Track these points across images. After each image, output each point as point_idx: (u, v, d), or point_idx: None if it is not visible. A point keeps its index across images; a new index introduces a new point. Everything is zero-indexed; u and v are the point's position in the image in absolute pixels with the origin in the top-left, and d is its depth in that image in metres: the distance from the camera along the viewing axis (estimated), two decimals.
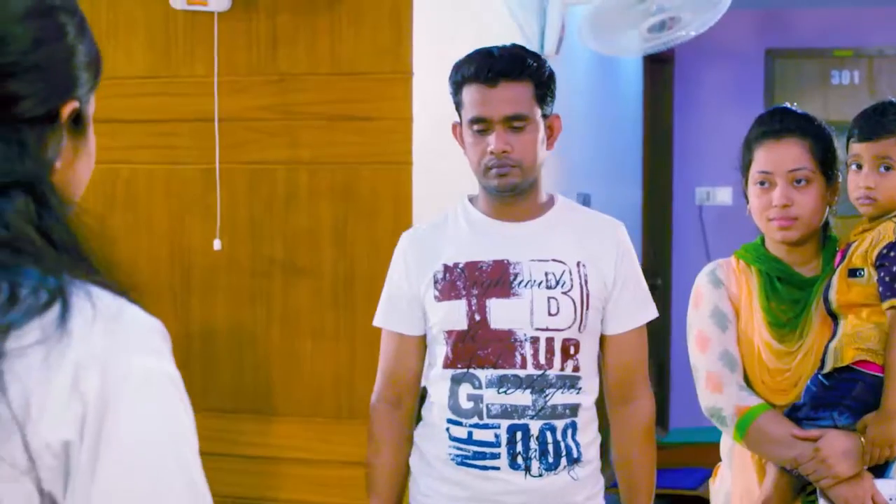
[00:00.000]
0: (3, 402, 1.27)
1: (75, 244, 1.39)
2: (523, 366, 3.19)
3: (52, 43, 1.43)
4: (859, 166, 3.21)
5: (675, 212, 9.08)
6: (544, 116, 3.25)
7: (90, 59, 1.51)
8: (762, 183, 3.27)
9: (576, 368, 3.23)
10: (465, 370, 3.22)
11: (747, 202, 3.37)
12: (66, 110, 1.46)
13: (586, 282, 3.24)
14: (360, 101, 4.15)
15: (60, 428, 1.30)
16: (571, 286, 3.22)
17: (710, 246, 8.59)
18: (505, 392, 3.18)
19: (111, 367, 1.32)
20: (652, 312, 3.38)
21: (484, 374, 3.20)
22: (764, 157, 3.27)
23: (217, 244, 4.24)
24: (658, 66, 8.83)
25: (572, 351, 3.22)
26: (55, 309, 1.32)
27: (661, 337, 8.26)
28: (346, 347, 4.19)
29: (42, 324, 1.31)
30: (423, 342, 3.36)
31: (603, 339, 3.33)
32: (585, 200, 6.23)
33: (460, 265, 3.25)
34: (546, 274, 3.22)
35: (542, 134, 3.23)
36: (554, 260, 3.24)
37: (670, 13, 5.13)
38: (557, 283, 3.22)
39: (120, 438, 1.32)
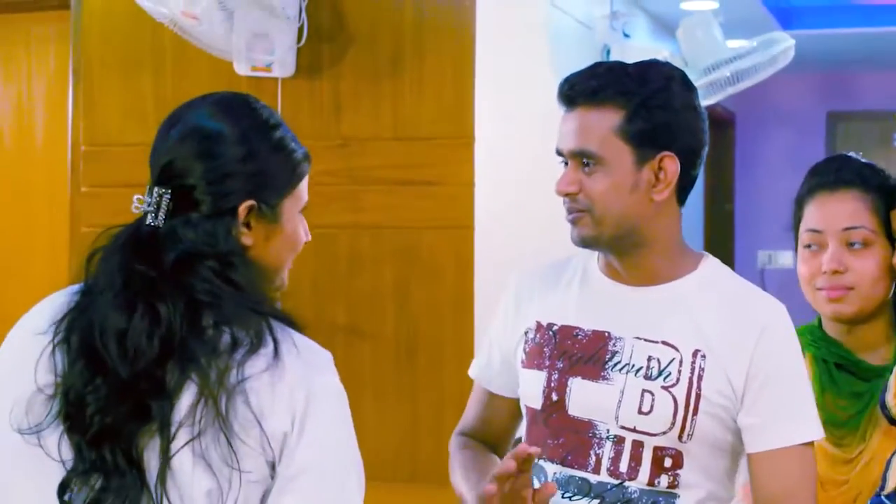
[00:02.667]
0: (249, 409, 1.92)
1: (260, 293, 2.07)
2: (596, 470, 2.43)
3: (219, 168, 2.04)
4: None
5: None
6: (644, 156, 2.42)
7: (263, 171, 2.09)
8: (810, 245, 2.68)
9: (673, 485, 2.41)
10: (535, 460, 2.42)
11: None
12: (242, 208, 2.05)
13: (700, 378, 2.40)
14: (422, 166, 4.17)
15: (282, 423, 1.94)
16: (677, 381, 2.40)
17: None
18: (569, 498, 2.46)
19: (309, 384, 1.98)
20: (811, 431, 2.43)
21: (552, 470, 2.48)
22: (814, 214, 2.68)
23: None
24: (720, 128, 8.82)
25: (668, 464, 2.41)
26: (269, 345, 1.97)
27: None
28: (408, 410, 4.19)
29: (265, 355, 1.96)
30: (519, 407, 2.66)
31: (748, 459, 2.47)
32: None
33: (555, 327, 2.53)
34: (649, 359, 2.43)
35: (629, 178, 2.41)
36: (664, 343, 2.43)
37: (742, 80, 5.15)
38: (660, 373, 2.42)
39: (314, 427, 1.96)
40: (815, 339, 2.71)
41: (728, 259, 8.97)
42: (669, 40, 6.09)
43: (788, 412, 2.41)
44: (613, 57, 5.23)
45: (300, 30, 4.22)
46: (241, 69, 4.21)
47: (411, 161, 4.19)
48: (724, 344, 2.41)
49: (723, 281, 2.52)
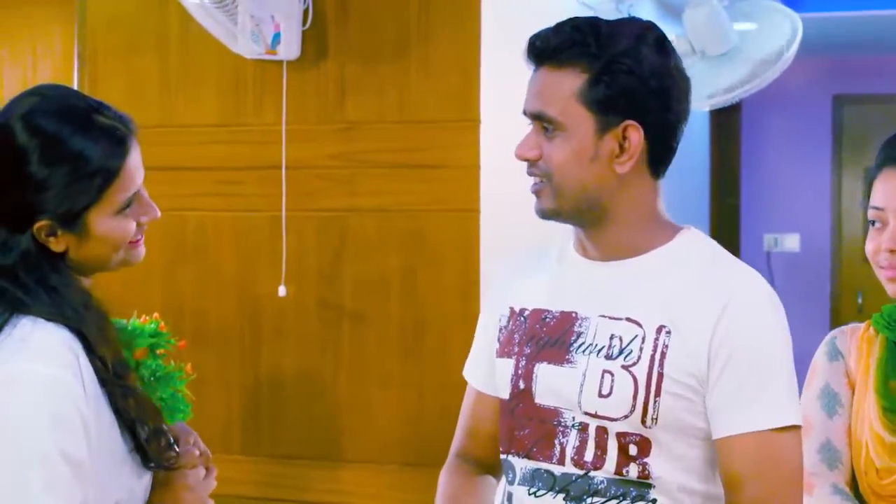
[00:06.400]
0: None
1: (49, 295, 2.10)
2: (560, 461, 2.25)
3: (12, 189, 2.11)
4: None
5: (742, 258, 9.02)
6: (607, 124, 2.21)
7: (53, 195, 2.09)
8: (874, 222, 2.52)
9: (644, 475, 2.20)
10: (504, 455, 2.36)
11: None
12: (36, 229, 2.11)
13: (663, 355, 2.19)
14: (427, 149, 4.16)
15: None
16: (638, 359, 2.20)
17: (778, 293, 8.53)
18: (535, 494, 2.29)
19: None
20: (786, 416, 2.18)
21: (518, 465, 2.32)
22: (878, 189, 2.51)
23: (282, 290, 4.26)
24: (725, 114, 8.79)
25: (634, 451, 2.21)
26: None
27: None
28: (414, 394, 4.19)
29: None
30: None
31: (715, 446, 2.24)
32: None
33: (526, 312, 2.37)
34: (611, 338, 2.24)
35: (590, 147, 2.22)
36: (628, 319, 2.23)
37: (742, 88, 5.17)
38: (621, 352, 2.22)
39: None
40: (890, 321, 2.53)
41: (734, 242, 8.97)
42: (675, 24, 6.07)
43: (751, 395, 2.17)
44: None
45: (305, 13, 4.21)
46: (247, 52, 4.20)
47: (416, 144, 4.18)
48: (690, 318, 2.20)
49: (698, 252, 2.31)
